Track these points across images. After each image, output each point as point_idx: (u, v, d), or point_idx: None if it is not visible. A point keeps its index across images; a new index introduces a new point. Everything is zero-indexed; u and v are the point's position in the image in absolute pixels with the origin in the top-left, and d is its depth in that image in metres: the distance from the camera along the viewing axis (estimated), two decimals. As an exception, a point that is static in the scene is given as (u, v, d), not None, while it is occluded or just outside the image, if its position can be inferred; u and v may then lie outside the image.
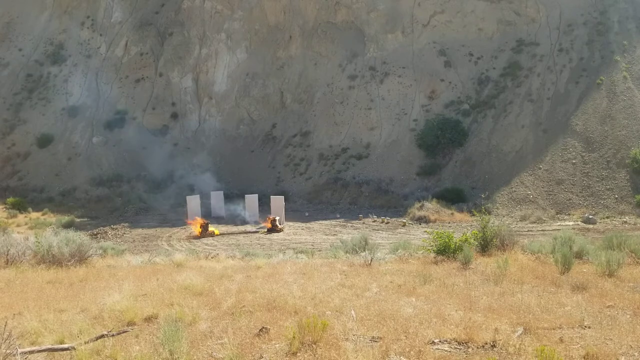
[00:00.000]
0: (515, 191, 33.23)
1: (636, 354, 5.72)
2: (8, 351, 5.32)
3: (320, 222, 32.20)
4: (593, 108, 35.94)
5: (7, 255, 12.70)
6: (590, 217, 28.69)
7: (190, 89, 50.51)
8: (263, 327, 6.49)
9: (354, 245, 16.15)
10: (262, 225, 30.84)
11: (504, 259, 10.52)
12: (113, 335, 6.25)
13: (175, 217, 34.07)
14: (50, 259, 12.43)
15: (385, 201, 36.22)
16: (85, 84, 52.10)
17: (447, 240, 12.33)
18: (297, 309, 7.54)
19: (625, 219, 28.76)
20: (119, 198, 39.99)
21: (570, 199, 31.65)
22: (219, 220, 33.21)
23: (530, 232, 25.85)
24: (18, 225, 32.41)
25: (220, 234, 29.26)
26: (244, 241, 27.10)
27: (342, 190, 39.00)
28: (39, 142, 47.47)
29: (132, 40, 53.53)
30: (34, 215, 36.18)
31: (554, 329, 6.57)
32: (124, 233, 30.41)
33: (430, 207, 32.08)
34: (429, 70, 43.80)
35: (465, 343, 6.08)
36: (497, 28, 44.32)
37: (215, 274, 11.02)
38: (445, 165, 38.09)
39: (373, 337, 6.29)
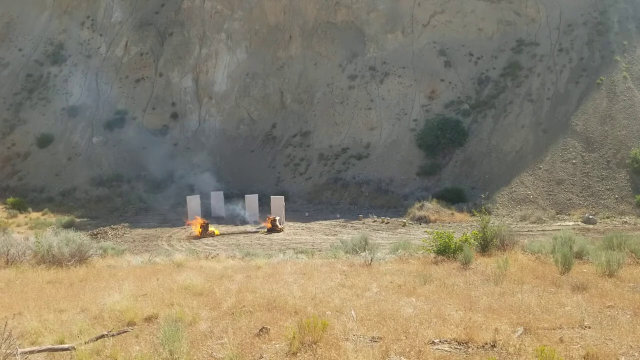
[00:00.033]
0: (515, 191, 33.23)
1: (636, 354, 5.72)
2: (8, 351, 5.32)
3: (320, 222, 32.20)
4: (593, 108, 35.94)
5: (7, 255, 12.70)
6: (591, 217, 28.69)
7: (190, 89, 50.51)
8: (263, 327, 6.49)
9: (354, 246, 16.15)
10: (262, 225, 30.84)
11: (504, 259, 10.51)
12: (113, 335, 6.25)
13: (175, 217, 34.07)
14: (50, 259, 12.43)
15: (385, 201, 36.22)
16: (85, 84, 52.11)
17: (447, 240, 12.33)
18: (297, 309, 7.54)
19: (625, 219, 28.76)
20: (119, 198, 39.99)
21: (570, 199, 31.65)
22: (218, 220, 33.21)
23: (530, 232, 25.85)
24: (18, 225, 32.41)
25: (220, 234, 29.26)
26: (244, 241, 27.11)
27: (342, 190, 39.00)
28: (39, 142, 47.47)
29: (132, 40, 53.54)
30: (34, 215, 36.18)
31: (554, 329, 6.57)
32: (124, 233, 30.41)
33: (430, 207, 32.08)
34: (429, 70, 43.80)
35: (466, 343, 6.08)
36: (497, 28, 44.32)
37: (216, 274, 11.02)
38: (445, 165, 38.09)
39: (373, 337, 6.29)
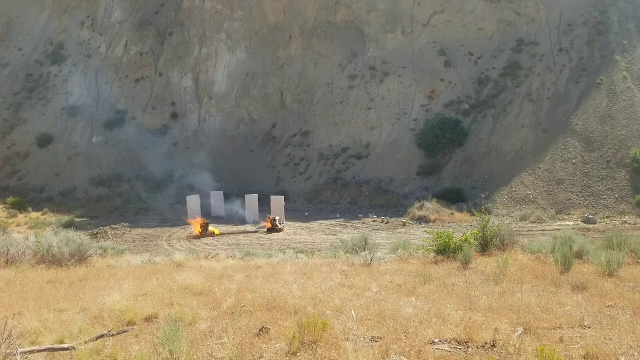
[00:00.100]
0: (515, 191, 33.23)
1: (636, 354, 5.72)
2: (8, 351, 5.32)
3: (320, 222, 32.20)
4: (593, 108, 35.94)
5: (7, 255, 12.70)
6: (591, 217, 28.69)
7: (190, 89, 50.51)
8: (263, 327, 6.49)
9: (354, 245, 16.15)
10: (262, 225, 30.84)
11: (504, 259, 10.51)
12: (113, 335, 6.25)
13: (175, 217, 34.07)
14: (50, 259, 12.43)
15: (385, 201, 36.22)
16: (85, 84, 52.11)
17: (447, 240, 12.33)
18: (297, 309, 7.54)
19: (625, 219, 28.76)
20: (119, 198, 39.99)
21: (570, 199, 31.65)
22: (218, 220, 33.21)
23: (530, 232, 25.85)
24: (18, 225, 32.41)
25: (221, 234, 29.26)
26: (244, 241, 27.11)
27: (342, 190, 39.00)
28: (39, 142, 47.48)
29: (132, 40, 53.54)
30: (34, 215, 36.18)
31: (554, 329, 6.57)
32: (124, 233, 30.41)
33: (431, 207, 32.08)
34: (429, 70, 43.80)
35: (466, 343, 6.08)
36: (497, 28, 44.32)
37: (216, 274, 11.02)
38: (445, 165, 38.09)
39: (373, 337, 6.29)
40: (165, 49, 52.15)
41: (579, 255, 11.85)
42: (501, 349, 5.86)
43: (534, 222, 29.25)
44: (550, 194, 32.32)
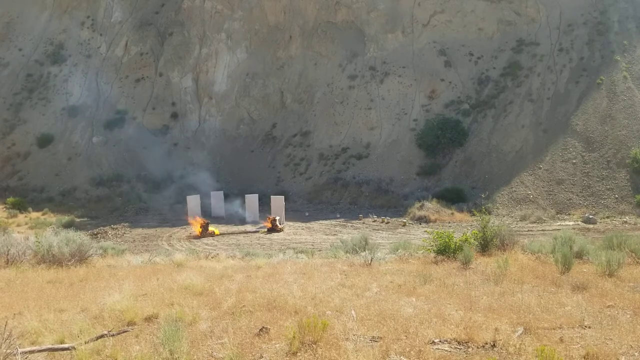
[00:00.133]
0: (515, 191, 33.23)
1: (636, 354, 5.72)
2: (8, 351, 5.32)
3: (321, 222, 32.20)
4: (593, 108, 35.94)
5: (7, 255, 12.70)
6: (591, 217, 28.69)
7: (190, 89, 50.51)
8: (263, 327, 6.49)
9: (354, 245, 16.15)
10: (262, 225, 30.84)
11: (504, 259, 10.52)
12: (113, 335, 6.25)
13: (175, 217, 34.07)
14: (50, 259, 12.43)
15: (385, 201, 36.22)
16: (85, 83, 52.11)
17: (447, 240, 12.33)
18: (297, 308, 7.54)
19: (625, 219, 28.76)
20: (119, 198, 39.99)
21: (570, 199, 31.65)
22: (218, 220, 33.21)
23: (531, 232, 25.85)
24: (18, 225, 32.41)
25: (221, 234, 29.26)
26: (244, 241, 27.11)
27: (342, 190, 39.00)
28: (39, 142, 47.47)
29: (132, 40, 53.54)
30: (34, 215, 36.18)
31: (554, 328, 6.57)
32: (124, 233, 30.41)
33: (431, 207, 32.08)
34: (429, 70, 43.80)
35: (466, 343, 6.08)
36: (497, 28, 44.32)
37: (216, 274, 11.02)
38: (445, 165, 38.09)
39: (373, 337, 6.29)
40: (165, 49, 52.15)
41: (579, 255, 11.85)
42: (501, 349, 5.86)
43: (534, 222, 29.25)
44: (550, 194, 32.33)
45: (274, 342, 6.11)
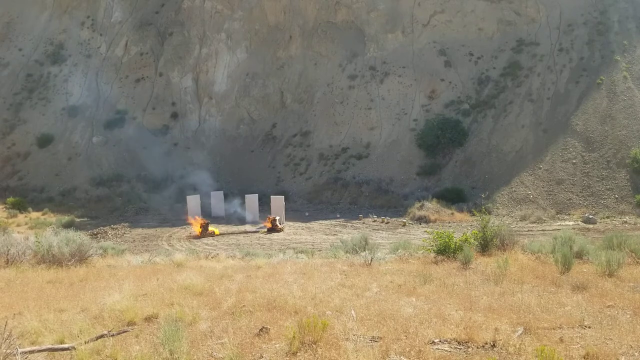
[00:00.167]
0: (515, 191, 33.23)
1: (636, 354, 5.72)
2: (8, 351, 5.32)
3: (320, 222, 32.20)
4: (593, 108, 35.94)
5: (7, 255, 12.70)
6: (591, 217, 28.69)
7: (190, 89, 50.51)
8: (263, 327, 6.49)
9: (354, 245, 16.15)
10: (262, 225, 30.84)
11: (504, 259, 10.52)
12: (113, 335, 6.25)
13: (175, 217, 34.08)
14: (50, 259, 12.43)
15: (385, 201, 36.22)
16: (85, 83, 52.11)
17: (447, 240, 12.33)
18: (297, 308, 7.54)
19: (625, 219, 28.76)
20: (119, 198, 40.00)
21: (570, 199, 31.65)
22: (218, 220, 33.21)
23: (530, 232, 25.85)
24: (18, 225, 32.42)
25: (221, 234, 29.26)
26: (244, 241, 27.11)
27: (342, 190, 39.00)
28: (39, 142, 47.48)
29: (132, 40, 53.54)
30: (34, 215, 36.19)
31: (554, 328, 6.57)
32: (124, 233, 30.42)
33: (430, 207, 32.08)
34: (429, 70, 43.80)
35: (466, 343, 6.08)
36: (497, 28, 44.32)
37: (216, 274, 11.02)
38: (445, 165, 38.09)
39: (373, 337, 6.29)
40: (165, 49, 52.15)
41: (579, 255, 11.85)
42: (501, 349, 5.86)
43: (534, 222, 29.25)
44: (550, 194, 32.33)
45: (274, 342, 6.11)
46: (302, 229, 30.50)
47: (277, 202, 32.18)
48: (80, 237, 13.55)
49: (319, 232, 29.09)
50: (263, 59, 50.05)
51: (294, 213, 34.18)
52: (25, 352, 5.65)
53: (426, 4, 46.48)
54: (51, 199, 40.57)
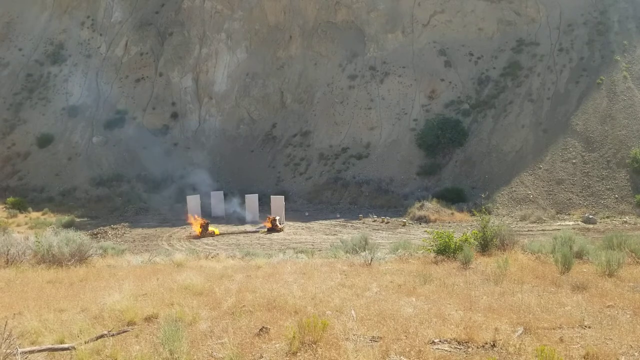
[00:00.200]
0: (515, 191, 33.23)
1: (636, 353, 5.72)
2: (8, 351, 5.32)
3: (320, 221, 32.20)
4: (593, 108, 35.94)
5: (7, 255, 12.70)
6: (591, 217, 28.69)
7: (190, 89, 50.51)
8: (263, 327, 6.49)
9: (354, 245, 16.14)
10: (262, 225, 30.85)
11: (504, 259, 10.51)
12: (113, 335, 6.25)
13: (175, 217, 34.08)
14: (50, 259, 12.43)
15: (385, 201, 36.22)
16: (85, 83, 52.12)
17: (447, 240, 12.33)
18: (297, 308, 7.54)
19: (625, 219, 28.76)
20: (119, 198, 40.00)
21: (570, 199, 31.65)
22: (218, 220, 33.22)
23: (530, 232, 25.85)
24: (18, 225, 32.42)
25: (221, 234, 29.26)
26: (244, 241, 27.11)
27: (342, 190, 39.00)
28: (39, 142, 47.48)
29: (132, 40, 53.54)
30: (34, 215, 36.19)
31: (554, 328, 6.57)
32: (124, 233, 30.42)
33: (431, 207, 32.08)
34: (429, 70, 43.80)
35: (466, 343, 6.08)
36: (497, 28, 44.32)
37: (216, 274, 11.02)
38: (445, 165, 38.10)
39: (373, 337, 6.29)
40: (165, 49, 52.15)
41: (579, 255, 11.85)
42: (501, 348, 5.86)
43: (534, 222, 29.25)
44: (550, 194, 32.33)
45: (274, 342, 6.11)
46: (302, 229, 30.50)
47: (277, 202, 32.18)
48: (80, 237, 13.55)
49: (319, 232, 29.10)
50: (263, 59, 50.05)
51: (294, 213, 34.19)
52: (25, 352, 5.65)
53: (426, 4, 46.48)
54: (51, 199, 40.57)
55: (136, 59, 52.47)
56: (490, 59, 42.98)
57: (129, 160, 45.65)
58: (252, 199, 33.39)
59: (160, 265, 13.28)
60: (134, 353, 5.67)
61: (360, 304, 7.91)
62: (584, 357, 5.57)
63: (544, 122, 36.87)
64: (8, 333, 5.47)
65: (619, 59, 38.00)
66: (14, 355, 5.35)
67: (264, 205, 33.44)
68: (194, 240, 27.90)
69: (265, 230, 29.80)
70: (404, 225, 30.07)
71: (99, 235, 28.27)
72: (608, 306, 7.62)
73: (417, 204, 32.65)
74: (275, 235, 28.54)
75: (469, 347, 5.98)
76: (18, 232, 26.27)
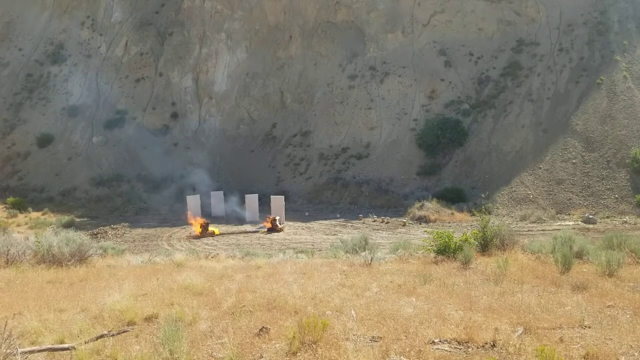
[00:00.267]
0: (515, 191, 33.23)
1: (636, 353, 5.72)
2: (8, 351, 5.32)
3: (320, 221, 32.20)
4: (593, 108, 35.95)
5: (7, 255, 12.70)
6: (590, 217, 28.69)
7: (190, 89, 50.51)
8: (263, 327, 6.49)
9: (354, 245, 16.14)
10: (262, 225, 30.85)
11: (504, 259, 10.51)
12: (113, 335, 6.25)
13: (175, 217, 34.08)
14: (50, 259, 12.43)
15: (385, 201, 36.23)
16: (85, 83, 52.12)
17: (447, 240, 12.32)
18: (297, 308, 7.54)
19: (625, 219, 28.76)
20: (119, 198, 40.00)
21: (570, 199, 31.65)
22: (218, 220, 33.22)
23: (530, 232, 25.85)
24: (18, 225, 32.42)
25: (221, 234, 29.27)
26: (244, 241, 27.11)
27: (342, 190, 39.00)
28: (39, 142, 47.48)
29: (132, 40, 53.54)
30: (34, 215, 36.19)
31: (554, 328, 6.57)
32: (124, 233, 30.42)
33: (431, 207, 32.08)
34: (429, 70, 43.80)
35: (466, 343, 6.08)
36: (497, 28, 44.32)
37: (216, 274, 11.02)
38: (445, 165, 38.10)
39: (373, 337, 6.29)
40: (165, 49, 52.15)
41: (579, 255, 11.85)
42: (501, 348, 5.86)
43: (534, 222, 29.25)
44: (550, 194, 32.33)
45: (274, 342, 6.11)
46: (302, 229, 30.50)
47: (277, 202, 32.19)
48: (80, 237, 13.55)
49: (319, 232, 29.10)
50: (263, 59, 50.05)
51: (294, 213, 34.19)
52: (25, 352, 5.65)
53: (426, 4, 46.48)
54: (51, 199, 40.57)
55: (136, 59, 52.47)
56: (490, 59, 42.98)
57: (129, 160, 45.65)
58: (252, 199, 33.40)
59: (160, 265, 13.28)
60: (134, 353, 5.67)
61: (360, 304, 7.91)
62: (584, 357, 5.57)
63: (544, 122, 36.88)
64: (8, 333, 5.47)
65: (619, 59, 38.00)
66: (14, 355, 5.35)
67: (264, 205, 33.44)
68: (194, 240, 27.90)
69: (265, 230, 29.81)
70: (404, 225, 30.07)
71: (99, 235, 28.28)
72: (608, 306, 7.62)
73: (417, 204, 32.65)
74: (275, 235, 28.54)
75: (469, 347, 5.98)
76: (18, 232, 26.28)
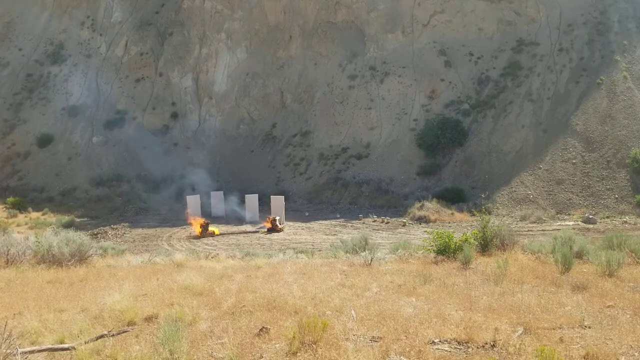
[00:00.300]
0: (515, 191, 33.23)
1: (636, 354, 5.72)
2: (8, 351, 5.32)
3: (320, 222, 32.20)
4: (593, 108, 35.94)
5: (7, 255, 12.70)
6: (591, 217, 28.69)
7: (190, 89, 50.51)
8: (263, 327, 6.49)
9: (354, 245, 16.14)
10: (262, 225, 30.84)
11: (504, 259, 10.51)
12: (113, 335, 6.25)
13: (175, 217, 34.08)
14: (50, 259, 12.43)
15: (385, 201, 36.23)
16: (85, 83, 52.12)
17: (447, 240, 12.32)
18: (297, 308, 7.54)
19: (625, 219, 28.76)
20: (119, 198, 40.00)
21: (570, 199, 31.65)
22: (218, 220, 33.22)
23: (530, 232, 25.85)
24: (18, 225, 32.41)
25: (221, 234, 29.27)
26: (244, 241, 27.11)
27: (342, 190, 39.00)
28: (39, 142, 47.48)
29: (132, 40, 53.54)
30: (34, 215, 36.19)
31: (554, 329, 6.57)
32: (124, 233, 30.42)
33: (431, 207, 32.08)
34: (429, 70, 43.80)
35: (466, 343, 6.08)
36: (497, 28, 44.32)
37: (216, 274, 11.02)
38: (445, 165, 38.10)
39: (373, 337, 6.29)
40: (165, 49, 52.15)
41: (579, 255, 11.84)
42: (501, 349, 5.86)
43: (534, 222, 29.25)
44: (550, 194, 32.33)
45: (274, 342, 6.11)
46: (302, 229, 30.50)
47: (277, 202, 32.18)
48: (80, 237, 13.55)
49: (319, 232, 29.10)
50: (263, 59, 50.05)
51: (294, 213, 34.19)
52: (25, 352, 5.65)
53: (426, 4, 46.48)
54: (51, 199, 40.57)
55: (136, 59, 52.48)
56: (490, 59, 42.98)
57: (129, 160, 45.66)
58: (252, 199, 33.39)
59: (160, 266, 13.28)
60: (134, 353, 5.67)
61: (360, 304, 7.91)
62: (584, 357, 5.57)
63: (544, 122, 36.88)
64: (8, 333, 5.47)
65: (619, 59, 38.00)
66: (14, 355, 5.35)
67: (264, 205, 33.43)
68: (194, 240, 27.90)
69: (265, 230, 29.81)
70: (404, 226, 30.07)
71: (99, 235, 28.28)
72: (608, 306, 7.61)
73: (417, 204, 32.65)
74: (275, 236, 28.54)
75: (469, 347, 5.98)
76: (18, 232, 26.27)
